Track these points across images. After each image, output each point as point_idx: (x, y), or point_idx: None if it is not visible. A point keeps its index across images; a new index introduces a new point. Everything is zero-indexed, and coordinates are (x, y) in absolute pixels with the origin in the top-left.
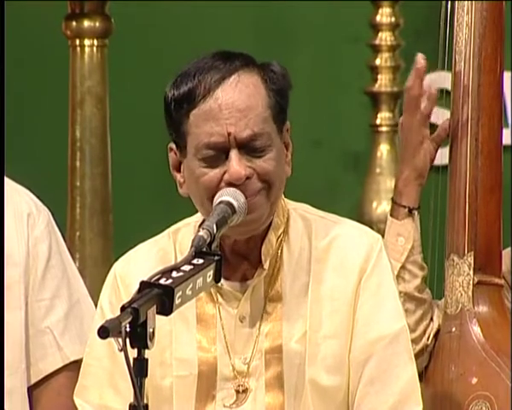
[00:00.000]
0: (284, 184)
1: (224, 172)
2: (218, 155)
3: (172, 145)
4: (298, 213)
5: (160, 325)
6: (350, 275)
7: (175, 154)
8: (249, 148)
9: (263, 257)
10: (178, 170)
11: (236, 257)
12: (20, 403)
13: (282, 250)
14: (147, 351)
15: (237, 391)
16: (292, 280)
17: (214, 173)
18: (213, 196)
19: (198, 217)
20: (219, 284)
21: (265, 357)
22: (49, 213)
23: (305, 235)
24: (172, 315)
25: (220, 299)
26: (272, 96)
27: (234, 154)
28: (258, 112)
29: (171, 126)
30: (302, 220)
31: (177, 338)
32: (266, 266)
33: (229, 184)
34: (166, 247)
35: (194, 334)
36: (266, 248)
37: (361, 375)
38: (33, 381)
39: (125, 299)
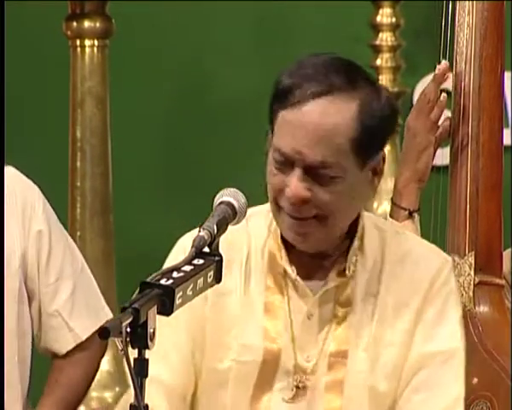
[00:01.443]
0: (356, 211)
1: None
2: (286, 163)
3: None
4: (372, 222)
5: (226, 307)
6: (418, 290)
7: (270, 137)
8: (315, 173)
9: (348, 264)
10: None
11: (314, 259)
12: (16, 395)
13: (356, 258)
14: (207, 329)
15: (297, 387)
16: (363, 288)
17: (280, 178)
18: (276, 199)
19: (268, 206)
20: (294, 277)
21: (329, 359)
22: (37, 188)
23: (380, 246)
24: (240, 301)
25: (291, 292)
26: (360, 129)
27: (297, 173)
28: (336, 141)
29: (269, 111)
30: (377, 231)
31: (243, 324)
32: (349, 273)
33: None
34: (239, 228)
35: (262, 322)
36: (353, 255)
37: (409, 382)
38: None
39: None
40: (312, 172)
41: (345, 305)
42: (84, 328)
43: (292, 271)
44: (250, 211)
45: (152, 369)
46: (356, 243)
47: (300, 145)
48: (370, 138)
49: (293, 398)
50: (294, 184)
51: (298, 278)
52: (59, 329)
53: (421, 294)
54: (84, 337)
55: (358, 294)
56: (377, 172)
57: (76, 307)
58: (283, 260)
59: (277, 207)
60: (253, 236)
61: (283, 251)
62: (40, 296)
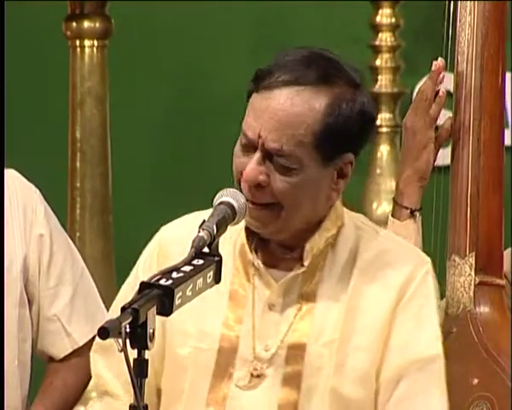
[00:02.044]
0: (316, 207)
1: None
2: (249, 145)
3: None
4: (353, 222)
5: None
6: (389, 292)
7: None
8: (273, 160)
9: (305, 254)
10: None
11: (280, 247)
12: (16, 398)
13: (326, 254)
14: (170, 317)
15: (251, 374)
16: (330, 284)
17: (243, 160)
18: (239, 181)
19: None
20: (257, 265)
21: (288, 351)
22: (38, 191)
23: (354, 245)
24: None
25: (257, 282)
26: (323, 126)
27: (256, 156)
28: (296, 132)
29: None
30: (355, 230)
31: (205, 311)
32: (306, 263)
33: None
34: None
35: (223, 310)
36: (310, 246)
37: (391, 395)
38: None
39: (157, 263)
40: (271, 159)
41: (309, 299)
42: (82, 334)
43: (255, 258)
44: None
45: (114, 362)
46: (318, 236)
47: (262, 129)
48: (334, 137)
49: (246, 385)
50: (251, 166)
51: (261, 265)
52: (56, 333)
53: (392, 298)
54: (81, 343)
55: (325, 289)
56: (343, 175)
57: (75, 312)
58: (248, 248)
59: (239, 190)
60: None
61: (248, 239)
62: (39, 300)
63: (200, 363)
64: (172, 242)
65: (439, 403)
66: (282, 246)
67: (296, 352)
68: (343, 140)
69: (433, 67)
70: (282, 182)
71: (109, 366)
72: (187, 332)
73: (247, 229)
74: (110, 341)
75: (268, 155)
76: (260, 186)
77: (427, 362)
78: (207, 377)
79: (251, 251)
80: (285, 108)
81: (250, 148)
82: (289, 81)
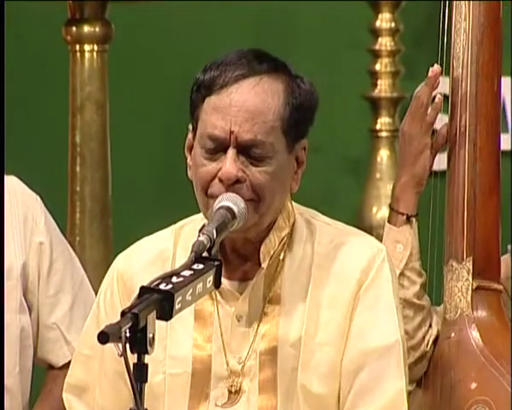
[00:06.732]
0: (283, 198)
1: (220, 169)
2: (217, 148)
3: (190, 126)
4: (304, 217)
5: None
6: (348, 284)
7: (192, 135)
8: (248, 153)
9: (261, 256)
10: (190, 152)
11: (237, 257)
12: (16, 405)
13: (284, 253)
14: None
15: (230, 391)
16: (292, 284)
17: (211, 167)
18: (207, 189)
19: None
20: None
21: (260, 358)
22: (39, 199)
23: (309, 240)
24: None
25: (219, 297)
26: (288, 109)
27: (231, 153)
28: (266, 119)
29: (190, 108)
30: (307, 225)
31: (173, 335)
32: (265, 265)
33: (221, 181)
34: (167, 243)
35: (191, 331)
36: (266, 248)
37: (351, 385)
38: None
39: (119, 294)
40: (245, 153)
41: (274, 302)
42: None
43: None
44: (183, 222)
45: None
46: (271, 236)
47: (232, 124)
48: (298, 119)
49: (226, 403)
50: (229, 162)
51: (223, 281)
52: (56, 341)
53: (351, 289)
54: None
55: (287, 290)
56: (299, 163)
57: (74, 321)
58: None
59: (207, 199)
60: (183, 245)
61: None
62: (39, 308)
63: (175, 388)
64: (131, 270)
65: (395, 391)
66: (239, 256)
67: (268, 357)
68: (306, 120)
69: (430, 73)
70: (260, 174)
71: (85, 405)
72: (157, 360)
73: None
74: (80, 379)
75: (241, 150)
76: (239, 182)
77: (383, 350)
78: (184, 401)
79: None
80: (250, 98)
81: (217, 151)
82: (244, 74)
